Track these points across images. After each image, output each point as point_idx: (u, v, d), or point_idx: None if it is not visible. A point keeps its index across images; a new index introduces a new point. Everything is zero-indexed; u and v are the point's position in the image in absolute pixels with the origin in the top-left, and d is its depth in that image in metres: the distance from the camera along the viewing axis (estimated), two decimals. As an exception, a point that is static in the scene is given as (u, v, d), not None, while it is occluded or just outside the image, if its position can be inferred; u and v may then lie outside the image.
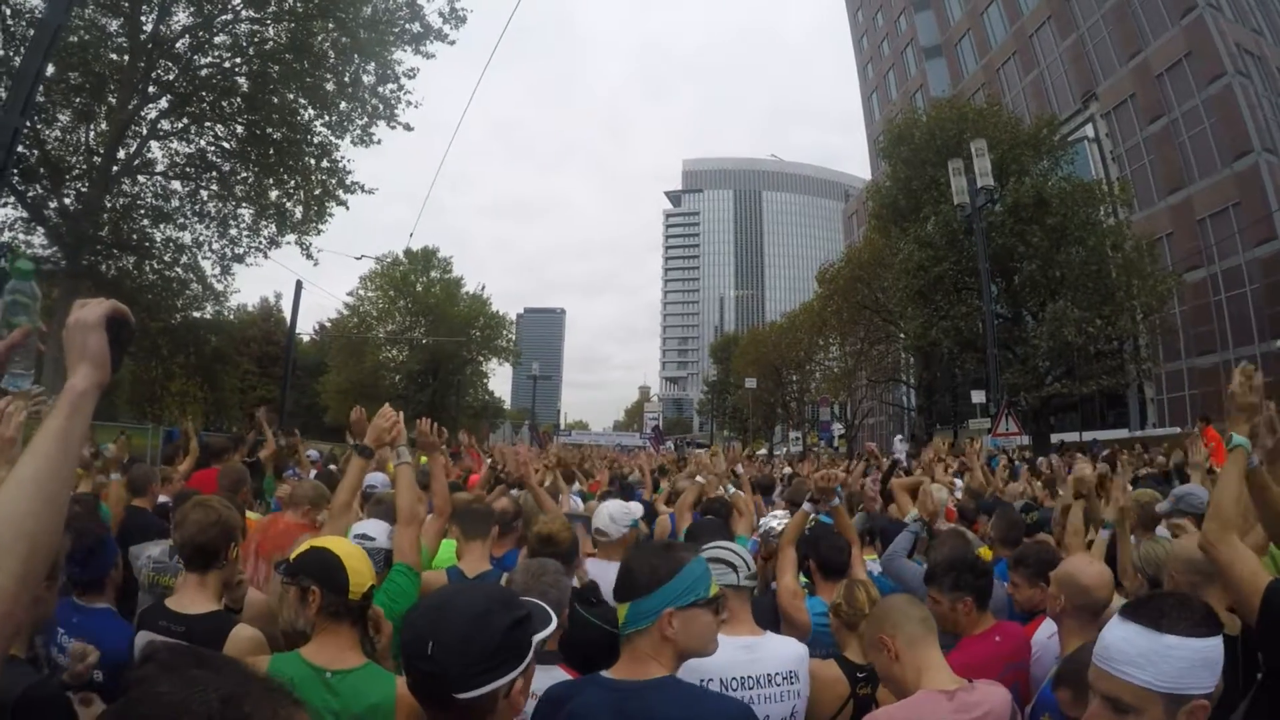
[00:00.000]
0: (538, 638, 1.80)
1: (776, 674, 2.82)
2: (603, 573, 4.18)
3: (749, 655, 2.80)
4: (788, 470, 15.96)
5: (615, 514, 4.81)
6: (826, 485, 4.41)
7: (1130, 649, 1.88)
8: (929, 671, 2.61)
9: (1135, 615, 1.94)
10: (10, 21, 18.58)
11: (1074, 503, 5.04)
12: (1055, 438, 32.09)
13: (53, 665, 3.18)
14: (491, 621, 1.73)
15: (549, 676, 2.62)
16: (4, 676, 2.33)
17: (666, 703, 2.12)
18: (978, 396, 25.60)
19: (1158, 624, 1.88)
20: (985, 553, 5.23)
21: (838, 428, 50.31)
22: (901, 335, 41.60)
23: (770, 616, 3.67)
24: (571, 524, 4.31)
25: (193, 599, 3.18)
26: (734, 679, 2.73)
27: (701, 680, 2.65)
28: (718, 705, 2.24)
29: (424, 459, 5.21)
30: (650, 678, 2.18)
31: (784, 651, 2.93)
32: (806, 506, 4.34)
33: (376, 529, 3.86)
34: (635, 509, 5.06)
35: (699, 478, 6.71)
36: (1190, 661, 1.83)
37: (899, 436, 33.94)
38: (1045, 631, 3.49)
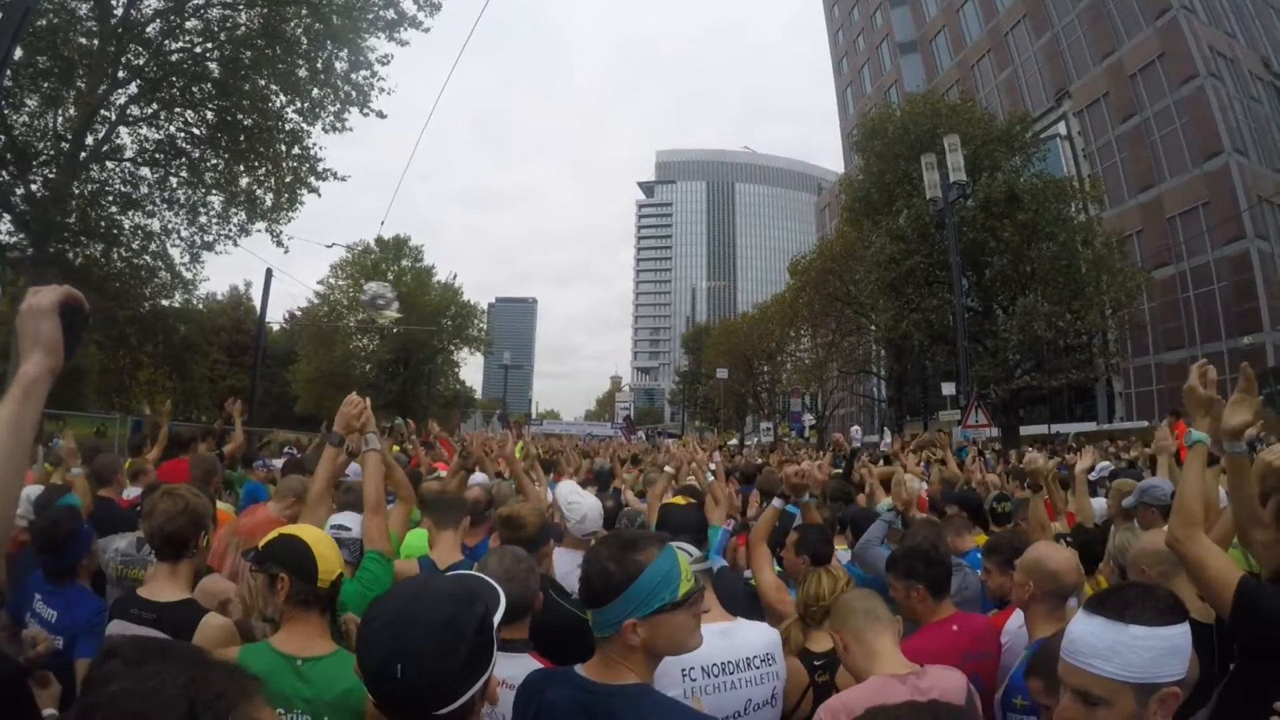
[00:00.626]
0: (495, 622, 1.70)
1: (755, 657, 2.82)
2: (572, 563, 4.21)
3: (725, 641, 2.80)
4: (759, 460, 16.05)
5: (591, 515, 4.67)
6: (799, 481, 4.46)
7: (1096, 641, 1.89)
8: (879, 658, 2.69)
9: (1099, 608, 1.95)
10: (-22, 5, 18.28)
11: (1033, 495, 5.10)
12: (1024, 430, 32.42)
13: (16, 625, 3.31)
14: (458, 627, 1.61)
15: (520, 665, 2.61)
16: None
17: (634, 710, 2.06)
18: (948, 389, 25.83)
19: (1121, 615, 1.89)
20: (980, 539, 5.29)
21: (809, 418, 50.56)
22: (873, 327, 41.88)
23: (741, 603, 3.67)
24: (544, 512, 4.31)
25: (163, 588, 3.17)
26: (714, 665, 2.71)
27: (683, 669, 2.66)
28: (689, 717, 2.18)
29: (395, 447, 5.20)
30: (622, 683, 2.11)
31: (758, 636, 2.95)
32: (777, 502, 4.36)
33: (351, 519, 3.85)
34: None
35: (668, 467, 6.73)
36: (1157, 651, 1.84)
37: (855, 426, 34.19)
38: (1016, 621, 3.49)
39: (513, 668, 2.55)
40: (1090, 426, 35.46)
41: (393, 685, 1.55)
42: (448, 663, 1.56)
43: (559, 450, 14.23)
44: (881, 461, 10.18)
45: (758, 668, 2.81)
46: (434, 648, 1.57)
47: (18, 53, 16.14)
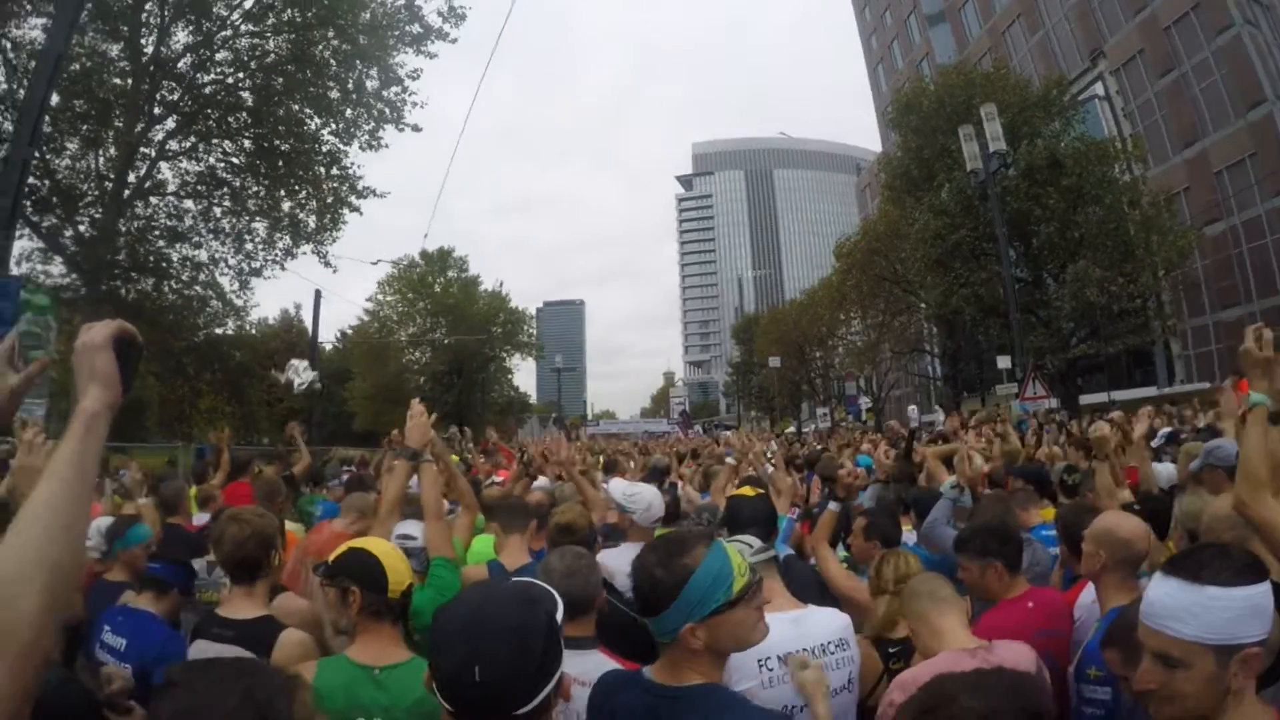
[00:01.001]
0: (559, 621, 1.73)
1: (829, 643, 2.79)
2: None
3: (797, 629, 2.77)
4: (818, 447, 16.00)
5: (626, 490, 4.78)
6: (852, 482, 4.47)
7: (1173, 603, 1.86)
8: (944, 636, 2.69)
9: (1175, 570, 1.92)
10: (12, 54, 18.70)
11: (1099, 464, 5.02)
12: (1083, 399, 31.92)
13: (92, 661, 3.37)
14: (529, 630, 1.64)
15: (590, 661, 2.61)
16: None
17: (704, 712, 2.04)
18: (1003, 362, 25.43)
19: (1198, 576, 1.85)
20: (1047, 514, 5.22)
21: (865, 402, 50.17)
22: (922, 305, 41.48)
23: (813, 590, 3.65)
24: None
25: (240, 606, 3.24)
26: (790, 654, 2.67)
27: (759, 660, 2.63)
28: (754, 717, 2.13)
29: (454, 457, 5.24)
30: (689, 684, 2.09)
31: (830, 621, 2.91)
32: (833, 505, 4.36)
33: (416, 529, 3.89)
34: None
35: (729, 459, 6.69)
36: (1235, 611, 1.80)
37: (912, 406, 33.82)
38: (1088, 596, 3.41)
39: (583, 664, 2.55)
40: (1151, 391, 34.75)
41: (473, 689, 1.56)
42: (524, 663, 1.58)
43: (621, 451, 14.32)
44: (940, 441, 10.07)
45: (832, 653, 2.77)
46: (508, 650, 1.59)
47: (54, 98, 16.53)
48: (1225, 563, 1.87)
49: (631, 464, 10.55)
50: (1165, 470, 6.38)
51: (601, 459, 10.49)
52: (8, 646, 1.16)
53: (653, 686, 2.16)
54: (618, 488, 4.82)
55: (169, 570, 3.84)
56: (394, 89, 23.14)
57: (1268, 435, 2.73)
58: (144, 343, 1.65)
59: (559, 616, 1.74)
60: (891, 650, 3.23)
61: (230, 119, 22.72)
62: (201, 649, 3.05)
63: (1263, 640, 1.81)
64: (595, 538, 4.01)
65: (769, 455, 6.88)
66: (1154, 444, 8.10)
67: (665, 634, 2.09)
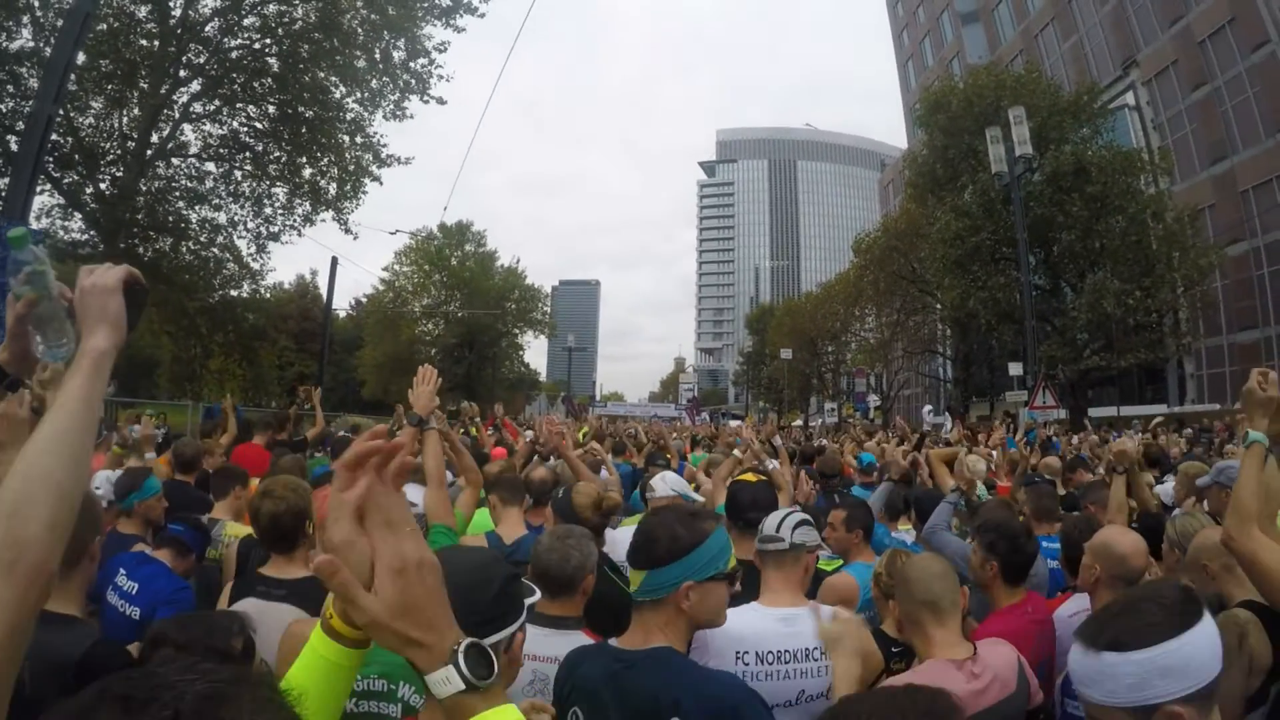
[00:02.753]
0: (528, 601, 1.75)
1: (815, 649, 2.72)
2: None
3: (788, 629, 2.74)
4: (823, 442, 15.98)
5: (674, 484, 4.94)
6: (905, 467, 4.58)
7: (1080, 670, 1.82)
8: (936, 645, 2.68)
9: (1079, 634, 1.87)
10: (40, 13, 18.75)
11: (1116, 477, 5.00)
12: (1093, 412, 31.80)
13: (105, 606, 3.49)
14: (489, 574, 1.68)
15: (574, 641, 2.62)
16: (67, 635, 2.43)
17: (660, 675, 2.09)
18: (1015, 369, 25.38)
19: (1094, 641, 1.79)
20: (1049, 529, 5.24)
21: (873, 399, 50.08)
22: (938, 306, 41.39)
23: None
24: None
25: (285, 568, 3.38)
26: (770, 652, 2.67)
27: (738, 652, 2.64)
28: (714, 682, 2.15)
29: (462, 431, 5.25)
30: (650, 646, 2.16)
31: None
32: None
33: (416, 494, 3.92)
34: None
35: (736, 451, 6.68)
36: (1138, 675, 1.71)
37: (927, 408, 33.71)
38: (1069, 609, 3.48)
39: (565, 645, 2.56)
40: (1161, 409, 34.53)
41: None
42: (476, 596, 1.60)
43: (627, 434, 14.40)
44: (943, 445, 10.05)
45: (816, 660, 2.72)
46: (462, 584, 1.55)
47: (81, 57, 16.58)
48: (1129, 622, 1.79)
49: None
50: (1166, 489, 6.38)
51: (609, 441, 10.48)
52: (16, 564, 1.19)
53: (617, 653, 2.21)
54: (671, 480, 4.95)
55: (190, 535, 3.99)
56: (421, 60, 23.12)
57: (1263, 472, 2.79)
58: (148, 288, 1.67)
59: (529, 600, 1.76)
60: (895, 650, 3.22)
61: (255, 84, 22.72)
62: (253, 607, 3.06)
63: (1190, 694, 1.75)
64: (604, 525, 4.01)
65: (773, 448, 6.80)
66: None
67: (661, 588, 2.17)
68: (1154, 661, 1.72)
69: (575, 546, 2.91)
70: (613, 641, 2.28)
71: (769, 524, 3.06)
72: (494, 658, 1.06)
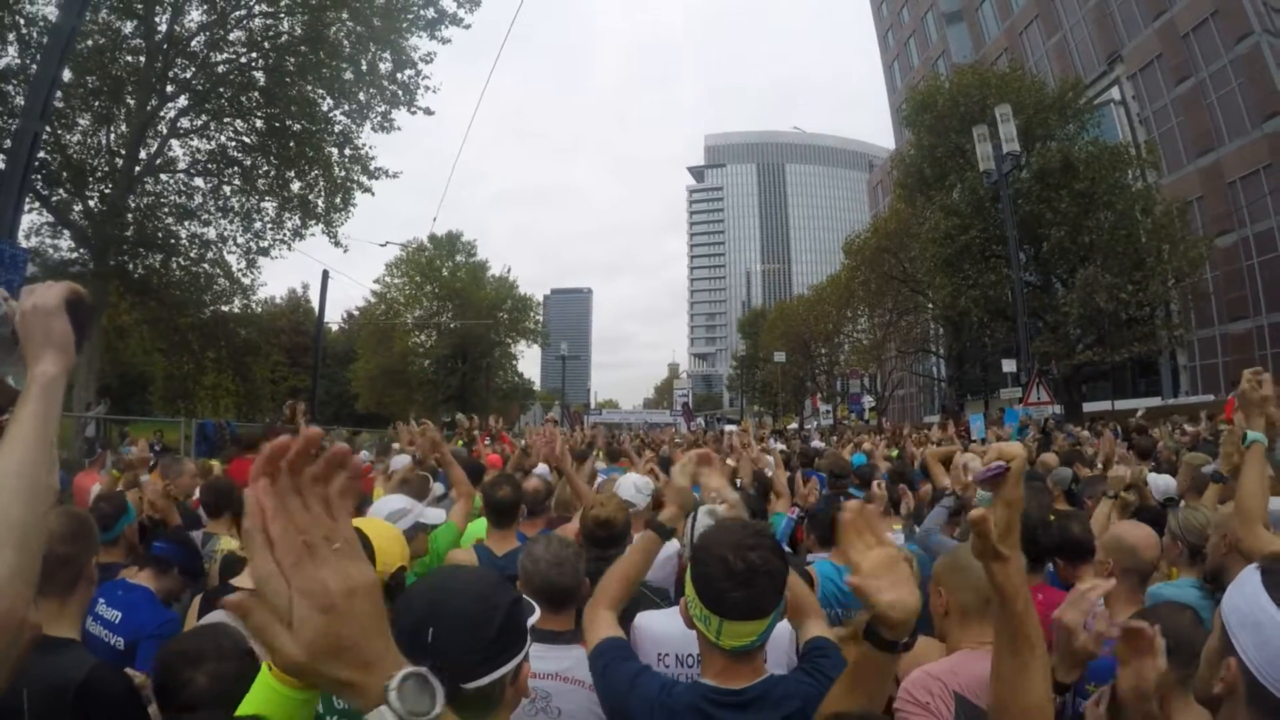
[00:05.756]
0: (530, 622, 1.68)
1: None
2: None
3: None
4: (820, 444, 16.01)
5: (639, 484, 4.83)
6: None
7: None
8: (976, 635, 2.62)
9: None
10: (24, 29, 18.71)
11: (1105, 502, 5.02)
12: (1087, 406, 31.86)
13: (87, 635, 3.32)
14: (493, 602, 1.59)
15: (571, 657, 2.61)
16: (66, 659, 2.41)
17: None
18: (1008, 365, 25.43)
19: None
20: None
21: (868, 400, 50.10)
22: (930, 305, 41.42)
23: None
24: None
25: None
26: (690, 655, 2.63)
27: (658, 654, 2.66)
28: None
29: (459, 442, 5.26)
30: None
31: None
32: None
33: (401, 503, 3.92)
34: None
35: (729, 460, 6.64)
36: None
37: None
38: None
39: (564, 660, 2.54)
40: (1155, 402, 34.63)
41: (423, 653, 1.40)
42: (479, 633, 1.53)
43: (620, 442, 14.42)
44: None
45: None
46: (466, 616, 1.54)
47: (67, 74, 16.55)
48: None
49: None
50: (1162, 481, 6.35)
51: (600, 450, 10.46)
52: None
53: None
54: (635, 480, 4.89)
55: (171, 549, 3.87)
56: (407, 71, 23.14)
57: (1265, 472, 2.79)
58: (91, 304, 1.63)
59: (530, 620, 1.70)
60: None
61: (242, 98, 22.69)
62: (222, 618, 3.04)
63: None
64: (628, 534, 3.95)
65: (769, 458, 6.78)
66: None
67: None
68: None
69: (577, 557, 2.88)
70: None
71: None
72: (436, 686, 0.88)
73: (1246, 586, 1.65)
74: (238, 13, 21.56)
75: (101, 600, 3.50)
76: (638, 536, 2.66)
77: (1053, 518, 4.04)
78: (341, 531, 0.90)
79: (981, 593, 2.71)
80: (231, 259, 25.35)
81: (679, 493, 2.64)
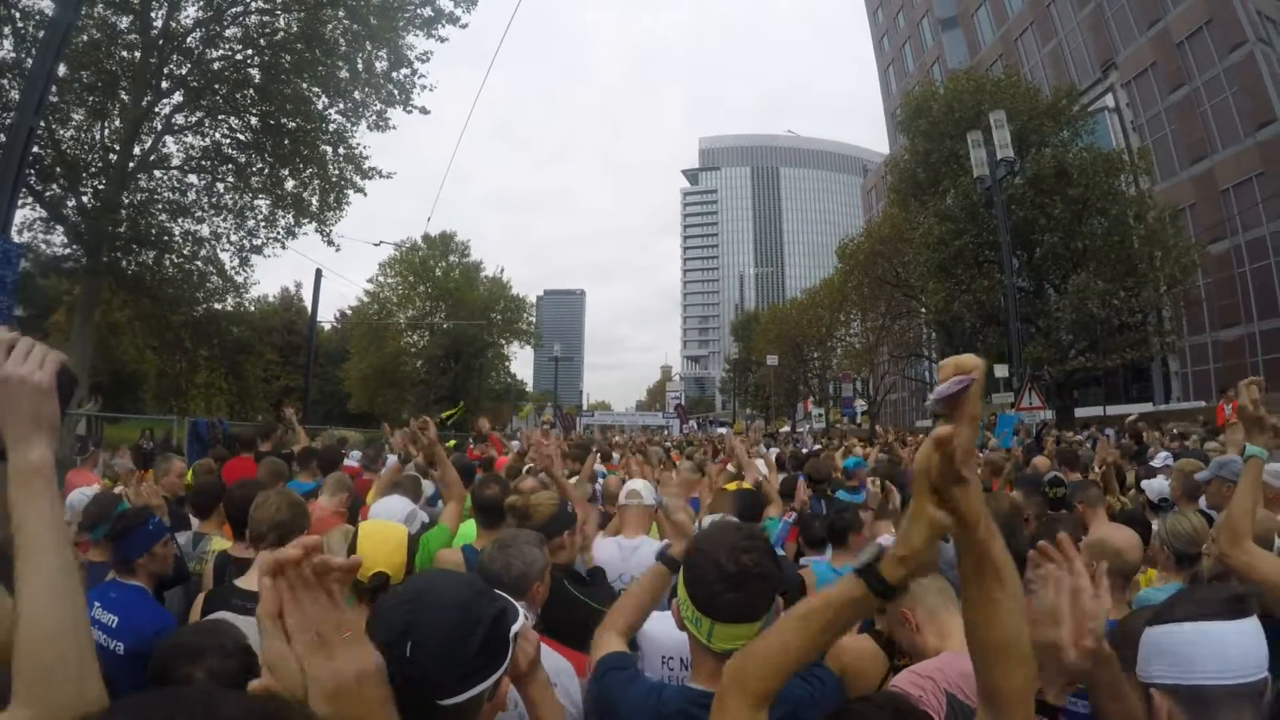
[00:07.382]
0: (513, 631, 1.60)
1: None
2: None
3: None
4: (816, 446, 16.04)
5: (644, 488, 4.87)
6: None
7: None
8: (950, 638, 2.63)
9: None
10: (20, 23, 18.64)
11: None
12: (1079, 412, 31.94)
13: None
14: (476, 614, 1.52)
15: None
16: None
17: None
18: (1000, 371, 25.46)
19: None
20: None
21: (860, 404, 50.11)
22: (923, 310, 41.44)
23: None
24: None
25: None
26: (686, 658, 2.59)
27: (663, 658, 2.71)
28: None
29: (451, 443, 5.27)
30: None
31: None
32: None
33: (401, 505, 3.94)
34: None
35: (730, 466, 6.63)
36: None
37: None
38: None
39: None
40: (1147, 407, 34.72)
41: (399, 665, 1.36)
42: (459, 647, 1.46)
43: (615, 444, 14.45)
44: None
45: None
46: (446, 628, 1.46)
47: (62, 69, 16.48)
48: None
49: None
50: (1156, 485, 6.38)
51: (596, 451, 10.46)
52: None
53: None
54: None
55: (122, 545, 3.76)
56: (403, 70, 23.09)
57: (1259, 488, 2.80)
58: (75, 376, 1.54)
59: (514, 628, 1.61)
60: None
61: (237, 95, 22.58)
62: (230, 620, 3.04)
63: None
64: (563, 526, 3.91)
65: (761, 463, 6.76)
66: (1155, 464, 8.10)
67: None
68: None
69: (517, 555, 2.86)
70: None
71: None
72: None
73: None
74: (234, 9, 21.47)
75: (96, 604, 3.46)
76: (647, 569, 2.67)
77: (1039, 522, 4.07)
78: (350, 620, 0.99)
79: (943, 590, 2.73)
80: (225, 256, 25.27)
81: (681, 526, 2.65)
